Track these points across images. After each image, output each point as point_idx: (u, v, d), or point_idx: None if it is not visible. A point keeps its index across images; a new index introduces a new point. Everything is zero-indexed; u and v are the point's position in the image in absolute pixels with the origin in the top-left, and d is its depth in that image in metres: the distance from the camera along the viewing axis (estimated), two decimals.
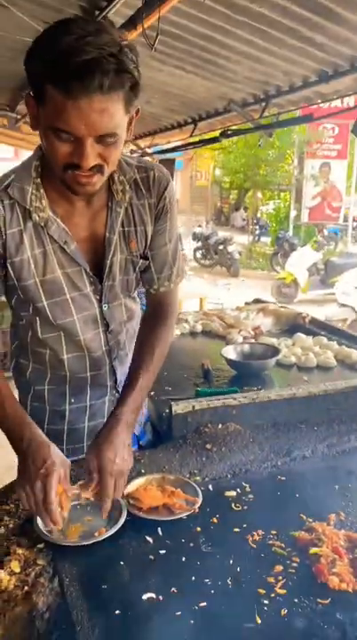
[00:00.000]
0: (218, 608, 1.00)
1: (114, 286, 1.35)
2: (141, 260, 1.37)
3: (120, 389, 1.49)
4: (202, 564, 1.11)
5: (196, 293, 7.43)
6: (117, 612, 0.99)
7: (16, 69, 4.31)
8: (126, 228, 1.32)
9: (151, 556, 1.13)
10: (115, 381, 1.47)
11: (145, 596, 1.02)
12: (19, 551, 1.13)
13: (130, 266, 1.36)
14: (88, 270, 1.29)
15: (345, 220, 13.91)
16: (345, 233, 14.39)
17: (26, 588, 1.05)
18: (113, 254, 1.31)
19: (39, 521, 1.20)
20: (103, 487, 1.19)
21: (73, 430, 1.47)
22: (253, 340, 2.27)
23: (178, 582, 1.06)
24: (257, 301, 3.06)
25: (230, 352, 2.02)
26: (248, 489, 1.37)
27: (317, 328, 2.46)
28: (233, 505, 1.31)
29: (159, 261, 1.41)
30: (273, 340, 2.25)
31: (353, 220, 14.00)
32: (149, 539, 1.18)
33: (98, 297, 1.34)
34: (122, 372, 1.49)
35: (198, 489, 1.33)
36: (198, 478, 1.43)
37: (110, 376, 1.45)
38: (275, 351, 1.99)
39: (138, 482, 1.37)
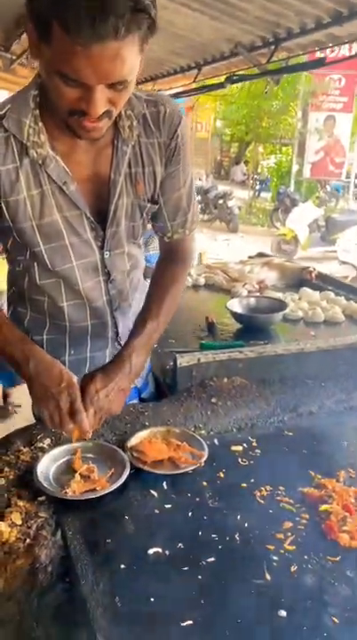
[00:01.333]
0: (226, 564, 0.98)
1: (117, 233, 1.26)
2: (149, 205, 1.28)
3: (122, 342, 1.44)
4: (209, 519, 1.08)
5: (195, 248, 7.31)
6: (122, 566, 0.96)
7: (10, 4, 4.06)
8: (133, 169, 1.22)
9: (156, 510, 1.10)
10: (117, 333, 1.41)
11: (151, 551, 0.99)
12: (20, 503, 1.10)
13: (137, 211, 1.27)
14: (88, 215, 1.21)
15: (348, 176, 13.61)
16: (347, 190, 14.13)
17: (27, 540, 1.02)
18: (118, 197, 1.22)
19: (39, 472, 1.16)
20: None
21: None
22: (258, 294, 2.20)
23: (184, 537, 1.03)
24: (260, 255, 2.99)
25: (235, 305, 1.95)
26: (254, 444, 1.34)
27: (324, 283, 2.40)
28: (239, 460, 1.27)
29: (172, 208, 1.32)
30: (279, 295, 2.18)
31: (356, 177, 13.71)
32: (154, 493, 1.15)
33: (99, 243, 1.25)
34: (124, 325, 1.42)
35: (204, 443, 1.29)
36: (203, 432, 1.39)
37: (111, 327, 1.39)
38: (282, 305, 1.93)
39: (142, 434, 1.33)
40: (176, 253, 1.39)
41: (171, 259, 1.39)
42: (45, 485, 1.13)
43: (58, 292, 1.28)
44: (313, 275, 2.43)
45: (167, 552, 0.99)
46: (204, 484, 1.18)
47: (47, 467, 1.21)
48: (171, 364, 1.53)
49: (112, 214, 1.23)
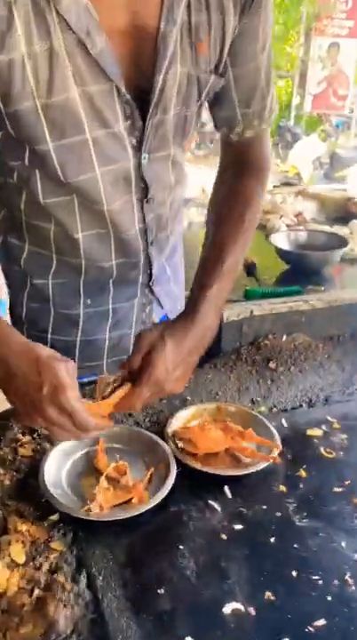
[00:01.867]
0: (343, 629, 0.64)
1: (163, 124, 0.85)
2: (213, 78, 0.85)
3: (156, 289, 1.05)
4: (303, 548, 0.74)
5: (195, 184, 6.80)
6: (188, 638, 0.62)
7: None
8: (194, 18, 0.78)
9: (223, 535, 0.75)
10: (150, 277, 1.03)
11: (227, 609, 0.65)
12: (23, 527, 0.74)
13: (194, 88, 0.84)
14: (123, 90, 0.78)
15: (351, 110, 12.85)
16: (348, 126, 13.38)
17: (36, 591, 0.67)
18: (168, 63, 0.78)
19: (47, 475, 0.81)
20: (133, 391, 0.80)
21: (88, 344, 1.04)
22: (303, 228, 1.81)
23: (272, 581, 0.69)
24: (287, 184, 2.57)
25: (282, 240, 1.56)
26: (336, 425, 0.99)
27: None
28: (322, 450, 0.93)
29: (246, 85, 0.90)
30: (325, 229, 1.79)
31: None
32: (215, 504, 0.80)
33: (135, 141, 0.84)
34: (159, 266, 1.04)
35: (272, 427, 0.94)
36: (263, 409, 1.03)
37: (144, 269, 1.00)
38: (342, 241, 1.54)
39: (185, 414, 0.97)
40: (248, 162, 0.98)
41: (241, 171, 0.98)
42: (58, 497, 0.78)
43: (71, 216, 0.88)
44: None
45: (251, 610, 0.65)
46: (282, 488, 0.84)
47: (58, 465, 0.85)
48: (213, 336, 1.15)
49: (158, 93, 0.80)
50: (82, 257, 0.93)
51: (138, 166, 0.86)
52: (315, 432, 0.97)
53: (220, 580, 0.69)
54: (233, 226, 0.92)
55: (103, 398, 0.81)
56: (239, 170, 0.97)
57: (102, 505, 0.77)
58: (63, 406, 0.70)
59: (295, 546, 0.74)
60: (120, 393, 0.81)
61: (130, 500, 0.79)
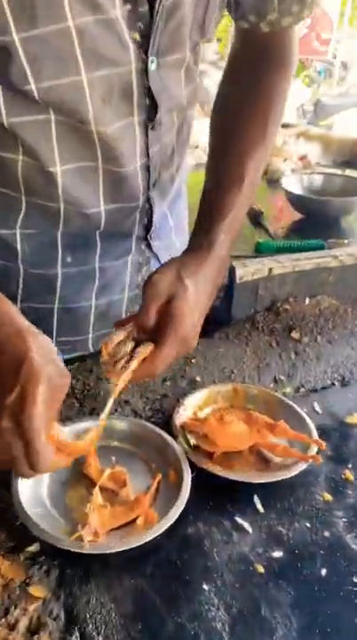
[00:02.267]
0: None
1: (179, 7, 0.61)
2: None
3: (154, 244, 0.84)
4: None
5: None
6: None
7: None
8: None
9: (259, 567, 0.57)
10: (148, 228, 0.81)
11: None
12: None
13: None
14: None
15: (334, 56, 12.32)
16: (330, 73, 12.88)
17: None
18: None
19: (21, 489, 0.61)
20: (154, 353, 0.63)
21: (69, 313, 0.82)
22: (315, 171, 1.59)
23: (331, 637, 0.51)
24: (284, 126, 2.33)
25: (294, 184, 1.34)
26: None
27: None
28: None
29: None
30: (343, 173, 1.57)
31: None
32: (243, 523, 0.62)
33: (139, 35, 0.61)
34: (160, 213, 0.82)
35: (303, 414, 0.75)
36: (289, 390, 0.84)
37: (141, 217, 0.78)
38: None
39: (196, 400, 0.78)
40: (273, 57, 0.76)
41: (263, 66, 0.75)
42: (36, 520, 0.58)
43: (46, 142, 0.65)
44: None
45: None
46: (326, 497, 0.66)
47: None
48: (225, 277, 0.95)
49: None
50: (60, 199, 0.70)
51: (143, 74, 0.63)
52: (356, 419, 0.79)
53: (263, 636, 0.51)
54: (253, 131, 0.73)
55: (115, 364, 0.63)
56: (260, 65, 0.76)
57: (97, 530, 0.58)
58: (23, 424, 0.49)
59: (354, 579, 0.56)
60: (140, 356, 0.62)
61: (134, 520, 0.60)
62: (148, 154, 0.71)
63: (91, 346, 0.87)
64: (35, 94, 0.59)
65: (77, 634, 0.50)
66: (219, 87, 0.82)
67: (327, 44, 12.81)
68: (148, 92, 0.65)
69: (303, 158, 1.78)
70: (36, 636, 0.50)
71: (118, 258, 0.81)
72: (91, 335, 0.86)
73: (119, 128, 0.65)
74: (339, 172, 1.57)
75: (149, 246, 0.83)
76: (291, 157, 1.74)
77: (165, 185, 0.79)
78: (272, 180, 1.64)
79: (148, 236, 0.82)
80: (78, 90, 0.60)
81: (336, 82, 12.95)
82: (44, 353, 0.51)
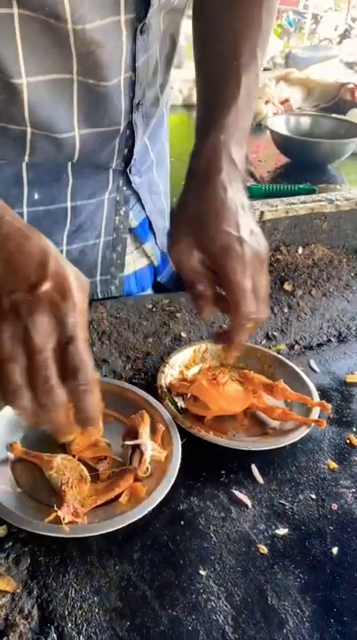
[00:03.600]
0: None
1: None
2: None
3: (135, 179, 0.73)
4: None
5: None
6: None
7: None
8: None
9: (263, 547, 0.50)
10: (128, 160, 0.70)
11: None
12: None
13: None
14: None
15: (305, 7, 11.93)
16: (300, 26, 12.52)
17: None
18: None
19: None
20: (236, 303, 0.55)
21: None
22: (303, 112, 1.48)
23: (348, 625, 0.45)
24: (265, 69, 2.20)
25: (280, 125, 1.24)
26: None
27: None
28: None
29: None
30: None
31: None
32: (242, 496, 0.54)
33: None
34: (141, 143, 0.71)
35: (301, 373, 0.68)
36: (283, 347, 0.77)
37: (120, 146, 0.67)
38: (355, 129, 1.22)
39: (182, 358, 0.69)
40: None
41: None
42: (2, 499, 0.50)
43: (5, 44, 0.52)
44: None
45: None
46: (332, 465, 0.59)
47: (2, 440, 0.56)
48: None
49: None
50: (26, 121, 0.58)
51: None
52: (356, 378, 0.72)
53: (271, 629, 0.44)
54: (244, 18, 0.61)
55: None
56: None
57: (77, 509, 0.49)
58: (65, 319, 0.41)
59: None
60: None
61: (117, 497, 0.52)
62: (135, 65, 0.59)
63: None
64: None
65: (54, 635, 0.42)
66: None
67: None
68: None
69: (285, 102, 1.66)
70: (4, 638, 0.42)
71: (93, 195, 0.70)
72: None
73: (101, 28, 0.53)
74: (327, 114, 1.47)
75: (129, 182, 0.72)
76: (273, 100, 1.63)
77: (149, 108, 0.68)
78: (254, 122, 1.53)
79: (128, 170, 0.71)
80: None
81: (307, 34, 12.70)
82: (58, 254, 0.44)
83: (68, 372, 0.42)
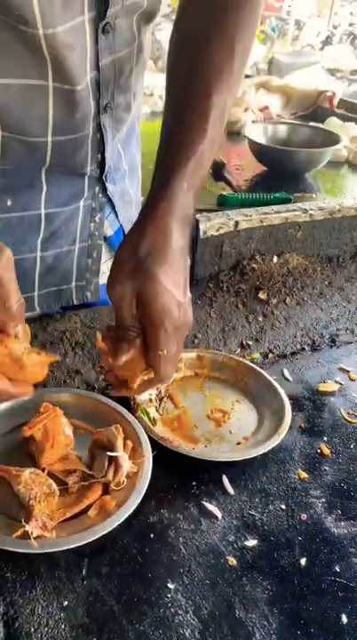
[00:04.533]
0: None
1: None
2: None
3: (109, 186, 0.73)
4: (347, 569, 0.50)
5: None
6: None
7: None
8: None
9: (231, 559, 0.50)
10: (102, 165, 0.70)
11: None
12: None
13: None
14: None
15: (288, 13, 12.02)
16: (283, 32, 12.60)
17: None
18: None
19: None
20: (155, 360, 0.53)
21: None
22: (280, 120, 1.49)
23: (316, 637, 0.45)
24: (245, 76, 2.22)
25: (257, 133, 1.24)
26: (353, 375, 0.75)
27: (349, 112, 1.71)
28: (342, 411, 0.69)
29: None
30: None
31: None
32: (212, 508, 0.54)
33: None
34: (113, 149, 0.71)
35: (274, 383, 0.68)
36: (256, 356, 0.77)
37: (93, 151, 0.67)
38: (330, 137, 1.24)
39: None
40: None
41: None
42: None
43: None
44: (334, 101, 1.74)
45: None
46: (302, 475, 0.59)
47: None
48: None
49: None
50: None
51: None
52: (329, 387, 0.73)
53: None
54: (217, 58, 0.59)
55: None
56: None
57: (46, 522, 0.49)
58: None
59: (336, 569, 0.50)
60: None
61: (86, 511, 0.52)
62: (99, 65, 0.59)
63: (36, 306, 0.76)
64: None
65: None
66: (178, 8, 0.70)
67: (282, 0, 12.59)
68: None
69: (264, 109, 1.68)
70: None
71: (68, 203, 0.70)
72: (36, 293, 0.75)
73: (69, 30, 0.53)
74: (305, 121, 1.49)
75: (104, 190, 0.72)
76: (252, 108, 1.64)
77: (120, 113, 0.68)
78: (232, 132, 1.54)
79: (103, 177, 0.71)
80: None
81: (289, 40, 12.79)
82: None
83: None
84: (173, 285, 0.51)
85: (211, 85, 0.59)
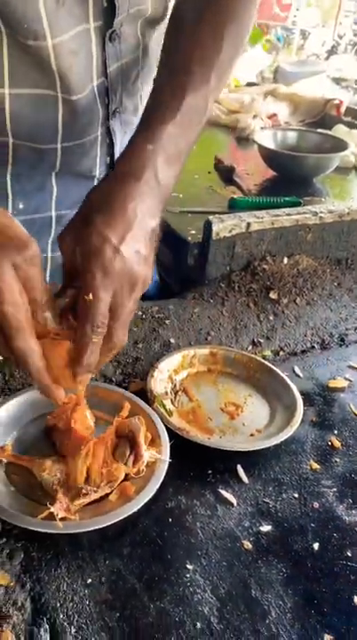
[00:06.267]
0: None
1: None
2: None
3: None
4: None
5: None
6: None
7: None
8: None
9: (247, 543, 0.52)
10: (112, 166, 0.73)
11: None
12: None
13: None
14: None
15: (294, 23, 12.12)
16: (289, 42, 12.71)
17: None
18: None
19: None
20: (84, 310, 0.48)
21: None
22: (289, 127, 1.52)
23: (329, 616, 0.47)
24: (250, 84, 2.27)
25: (267, 139, 1.27)
26: None
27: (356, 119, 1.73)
28: (353, 407, 0.71)
29: None
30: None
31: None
32: (228, 495, 0.57)
33: None
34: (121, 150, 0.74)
35: (286, 378, 0.70)
36: (268, 353, 0.79)
37: (102, 154, 0.70)
38: (338, 143, 1.26)
39: (171, 363, 0.71)
40: None
41: None
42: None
43: None
44: (342, 109, 1.76)
45: None
46: (314, 465, 0.61)
47: None
48: (193, 233, 0.88)
49: None
50: (8, 132, 0.60)
51: None
52: (338, 383, 0.75)
53: (254, 619, 0.46)
54: (205, 43, 0.58)
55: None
56: None
57: (69, 506, 0.51)
58: (21, 263, 0.44)
59: (348, 554, 0.52)
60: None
61: (107, 495, 0.54)
62: (106, 72, 0.62)
63: None
64: None
65: (46, 625, 0.44)
66: (173, 9, 0.72)
67: (287, 10, 12.65)
68: None
69: (272, 117, 1.70)
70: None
71: (77, 204, 0.73)
72: None
73: (74, 38, 0.56)
74: (313, 129, 1.51)
75: None
76: (260, 115, 1.67)
77: (128, 116, 0.70)
78: (241, 138, 1.57)
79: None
80: None
81: (295, 49, 12.82)
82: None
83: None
84: (112, 232, 0.48)
85: (194, 64, 0.58)
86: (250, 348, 0.79)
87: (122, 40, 0.62)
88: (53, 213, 0.73)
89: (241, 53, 0.64)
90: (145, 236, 0.50)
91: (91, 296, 0.47)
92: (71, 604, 0.46)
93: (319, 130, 1.46)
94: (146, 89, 0.73)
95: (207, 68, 0.57)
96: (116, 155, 0.72)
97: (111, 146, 0.70)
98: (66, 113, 0.61)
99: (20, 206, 0.70)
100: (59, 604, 0.45)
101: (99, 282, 0.47)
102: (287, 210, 0.92)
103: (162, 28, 0.69)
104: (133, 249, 0.49)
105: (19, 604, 0.45)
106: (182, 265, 0.94)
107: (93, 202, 0.51)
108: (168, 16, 0.68)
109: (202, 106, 0.57)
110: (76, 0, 0.54)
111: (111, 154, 0.71)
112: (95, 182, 0.73)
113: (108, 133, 0.68)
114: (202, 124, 0.59)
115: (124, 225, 0.49)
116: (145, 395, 0.65)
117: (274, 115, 1.73)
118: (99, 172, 0.72)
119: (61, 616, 0.45)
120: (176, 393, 0.69)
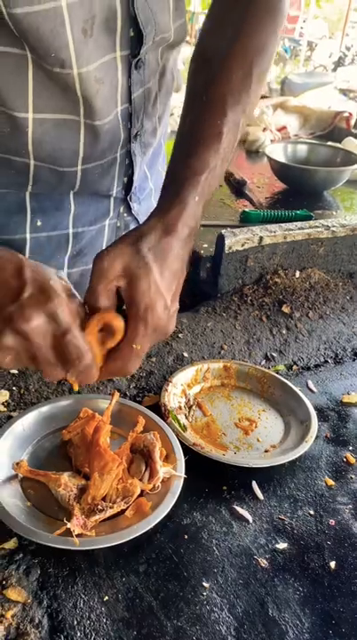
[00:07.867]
0: None
1: None
2: None
3: (134, 206, 0.77)
4: None
5: None
6: None
7: None
8: None
9: (263, 561, 0.52)
10: (128, 188, 0.73)
11: None
12: None
13: None
14: None
15: (300, 35, 12.20)
16: (295, 53, 12.77)
17: None
18: None
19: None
20: (127, 354, 0.52)
21: None
22: (299, 140, 1.52)
23: (347, 636, 0.47)
24: (262, 97, 2.27)
25: (278, 152, 1.28)
26: None
27: None
28: None
29: None
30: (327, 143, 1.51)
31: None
32: (243, 512, 0.56)
33: None
34: (140, 171, 0.74)
35: (300, 393, 0.70)
36: (281, 367, 0.79)
37: (120, 174, 0.70)
38: (351, 157, 1.27)
39: (185, 377, 0.72)
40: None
41: (251, 9, 0.66)
42: (12, 511, 0.51)
43: (15, 79, 0.55)
44: (351, 122, 1.77)
45: None
46: (329, 482, 0.61)
47: (12, 456, 0.58)
48: (205, 246, 0.88)
49: None
50: (29, 154, 0.61)
51: None
52: (352, 398, 0.74)
53: (272, 639, 0.45)
54: (235, 80, 0.62)
55: None
56: (248, 7, 0.66)
57: (85, 522, 0.51)
58: (53, 314, 0.47)
59: None
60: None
61: (123, 512, 0.54)
62: (131, 98, 0.62)
63: None
64: (8, 21, 0.50)
65: None
66: (201, 32, 0.74)
67: (294, 22, 12.67)
68: (133, 21, 0.57)
69: (282, 129, 1.72)
70: None
71: (94, 222, 0.73)
72: None
73: (101, 67, 0.57)
74: (323, 141, 1.52)
75: (129, 209, 0.76)
76: (270, 127, 1.68)
77: (147, 137, 0.71)
78: (251, 150, 1.58)
79: (128, 198, 0.74)
80: (56, 18, 0.51)
81: (302, 61, 12.84)
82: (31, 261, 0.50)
83: (70, 360, 0.47)
84: (166, 288, 0.52)
85: (228, 106, 0.61)
86: (264, 362, 0.79)
87: (146, 66, 0.63)
88: (70, 230, 0.73)
89: (266, 77, 0.66)
90: (179, 292, 0.56)
91: (138, 347, 0.51)
92: (88, 621, 0.45)
93: (329, 143, 1.47)
94: (162, 109, 0.73)
95: (239, 110, 0.62)
96: (136, 174, 0.73)
97: (130, 166, 0.71)
98: (88, 137, 0.62)
99: (39, 223, 0.71)
100: (76, 622, 0.45)
101: (148, 337, 0.51)
102: (299, 223, 0.92)
103: (178, 50, 0.70)
104: (174, 308, 0.54)
105: (37, 621, 0.45)
106: (195, 278, 0.95)
107: (147, 239, 0.53)
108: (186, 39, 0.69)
109: (234, 143, 0.63)
110: (104, 30, 0.55)
111: (129, 174, 0.72)
112: (111, 201, 0.74)
113: (128, 155, 0.69)
114: (232, 158, 0.65)
115: (174, 282, 0.54)
116: (158, 409, 0.65)
117: (284, 127, 1.74)
118: (115, 191, 0.73)
119: (79, 634, 0.45)
120: (190, 407, 0.69)
